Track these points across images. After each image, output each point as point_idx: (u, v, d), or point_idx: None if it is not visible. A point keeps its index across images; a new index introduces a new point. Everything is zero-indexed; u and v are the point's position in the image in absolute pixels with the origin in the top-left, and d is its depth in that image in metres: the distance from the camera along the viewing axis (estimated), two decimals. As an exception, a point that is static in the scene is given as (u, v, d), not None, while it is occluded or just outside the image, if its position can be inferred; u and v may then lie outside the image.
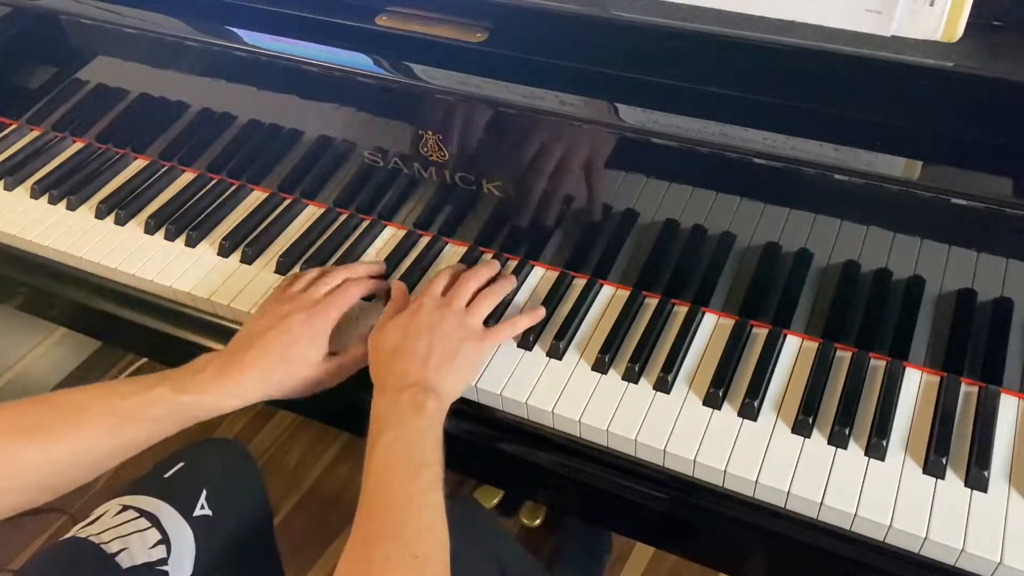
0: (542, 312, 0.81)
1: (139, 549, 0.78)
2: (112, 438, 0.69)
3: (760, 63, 0.70)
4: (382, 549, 0.60)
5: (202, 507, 0.85)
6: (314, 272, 0.83)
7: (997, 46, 0.65)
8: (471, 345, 0.75)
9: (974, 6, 0.63)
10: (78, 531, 0.80)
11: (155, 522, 0.81)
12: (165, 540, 0.80)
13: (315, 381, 0.76)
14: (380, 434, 0.67)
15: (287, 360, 0.74)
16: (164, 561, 0.79)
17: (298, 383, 0.75)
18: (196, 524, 0.84)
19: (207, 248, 0.94)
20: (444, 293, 0.79)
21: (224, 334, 0.89)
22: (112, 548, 0.77)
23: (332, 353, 0.77)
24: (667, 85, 0.73)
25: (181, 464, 0.89)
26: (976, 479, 0.66)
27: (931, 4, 0.63)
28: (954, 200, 0.63)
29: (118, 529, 0.80)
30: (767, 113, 0.69)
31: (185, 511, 0.84)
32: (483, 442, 0.80)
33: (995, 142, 0.65)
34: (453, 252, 0.90)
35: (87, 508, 0.86)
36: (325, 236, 0.93)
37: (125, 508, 0.82)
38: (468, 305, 0.78)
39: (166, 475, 0.88)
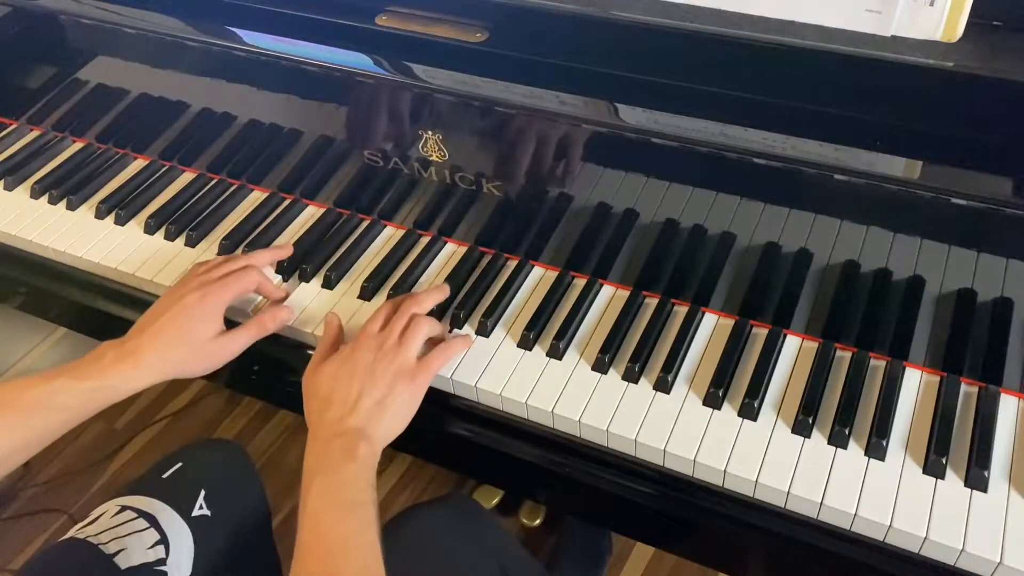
0: (471, 340, 0.80)
1: (137, 549, 0.78)
2: (21, 430, 0.70)
3: (760, 63, 0.70)
4: None
5: (201, 507, 0.85)
6: (218, 259, 0.84)
7: (997, 46, 0.65)
8: (403, 386, 0.73)
9: (974, 6, 0.63)
10: (76, 532, 0.80)
11: (153, 522, 0.81)
12: (164, 540, 0.80)
13: (211, 356, 0.77)
14: (312, 481, 0.67)
15: (182, 339, 0.76)
16: (163, 561, 0.79)
17: (196, 360, 0.77)
18: (195, 524, 0.84)
19: (207, 248, 0.94)
20: (382, 329, 0.78)
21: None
22: (110, 549, 0.77)
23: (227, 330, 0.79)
24: (667, 85, 0.73)
25: (179, 464, 0.89)
26: (976, 479, 0.66)
27: (931, 4, 0.63)
28: (954, 200, 0.63)
29: (116, 530, 0.80)
30: (767, 113, 0.69)
31: (184, 511, 0.84)
32: (483, 442, 0.80)
33: (995, 142, 0.65)
34: (453, 252, 0.90)
35: (87, 508, 0.86)
36: (325, 236, 0.93)
37: (123, 509, 0.82)
38: (400, 337, 0.76)
39: (164, 475, 0.88)
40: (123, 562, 0.77)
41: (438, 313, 0.83)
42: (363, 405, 0.71)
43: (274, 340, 0.83)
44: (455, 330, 0.82)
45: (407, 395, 0.74)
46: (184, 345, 0.76)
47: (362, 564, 0.64)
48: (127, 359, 0.73)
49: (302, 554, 0.64)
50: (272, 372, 0.89)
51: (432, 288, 0.84)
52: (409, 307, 0.79)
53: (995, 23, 0.67)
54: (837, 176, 0.66)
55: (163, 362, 0.75)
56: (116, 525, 0.80)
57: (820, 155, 0.66)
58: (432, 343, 0.79)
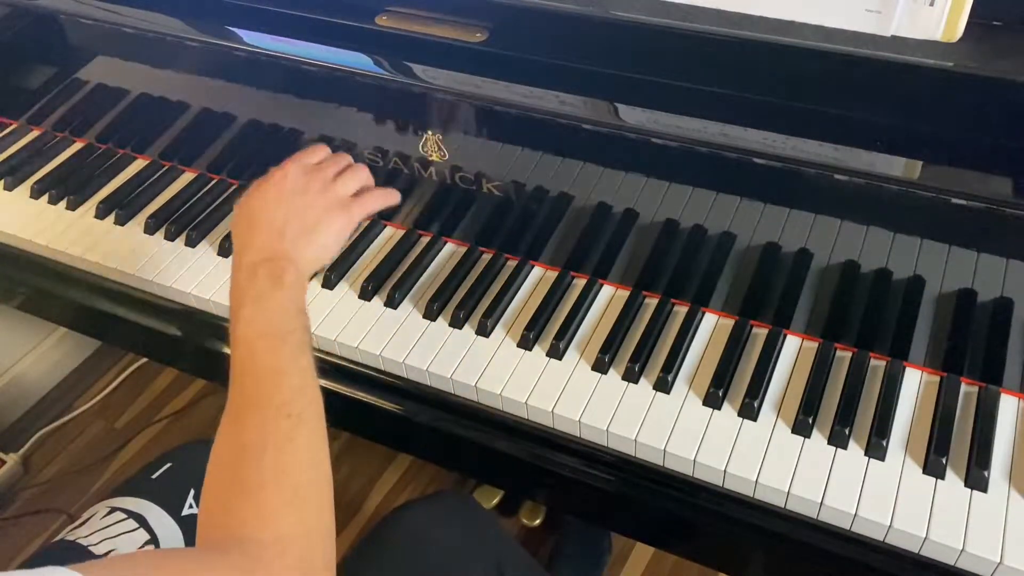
0: (396, 195, 0.80)
1: (127, 549, 0.78)
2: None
3: (760, 63, 0.70)
4: (256, 416, 0.59)
5: (191, 506, 0.85)
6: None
7: (997, 46, 0.65)
8: (333, 216, 0.72)
9: (974, 6, 0.63)
10: (67, 534, 0.80)
11: (142, 522, 0.81)
12: (153, 540, 0.81)
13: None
14: (241, 308, 0.66)
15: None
16: None
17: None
18: (185, 523, 0.84)
19: (207, 248, 0.94)
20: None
21: (224, 334, 0.89)
22: (100, 550, 0.78)
23: None
24: (667, 85, 0.73)
25: (169, 465, 0.89)
26: (976, 479, 0.66)
27: (931, 4, 0.63)
28: (954, 200, 0.63)
29: (106, 531, 0.80)
30: (767, 113, 0.69)
31: (173, 510, 0.84)
32: (483, 442, 0.80)
33: (995, 142, 0.65)
34: (453, 252, 0.90)
35: (87, 508, 0.87)
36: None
37: (113, 510, 0.83)
38: (335, 178, 0.75)
39: (153, 476, 0.88)
40: None
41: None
42: (290, 230, 0.70)
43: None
44: (454, 330, 0.82)
45: (338, 225, 0.73)
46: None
47: (297, 386, 0.62)
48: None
49: (236, 381, 0.62)
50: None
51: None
52: (342, 156, 0.78)
53: (995, 23, 0.67)
54: (837, 176, 0.66)
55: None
56: (105, 527, 0.80)
57: (820, 155, 0.66)
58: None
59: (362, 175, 0.78)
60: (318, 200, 0.72)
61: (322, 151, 0.79)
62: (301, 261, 0.70)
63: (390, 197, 0.79)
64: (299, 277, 0.69)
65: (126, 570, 0.49)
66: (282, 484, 0.56)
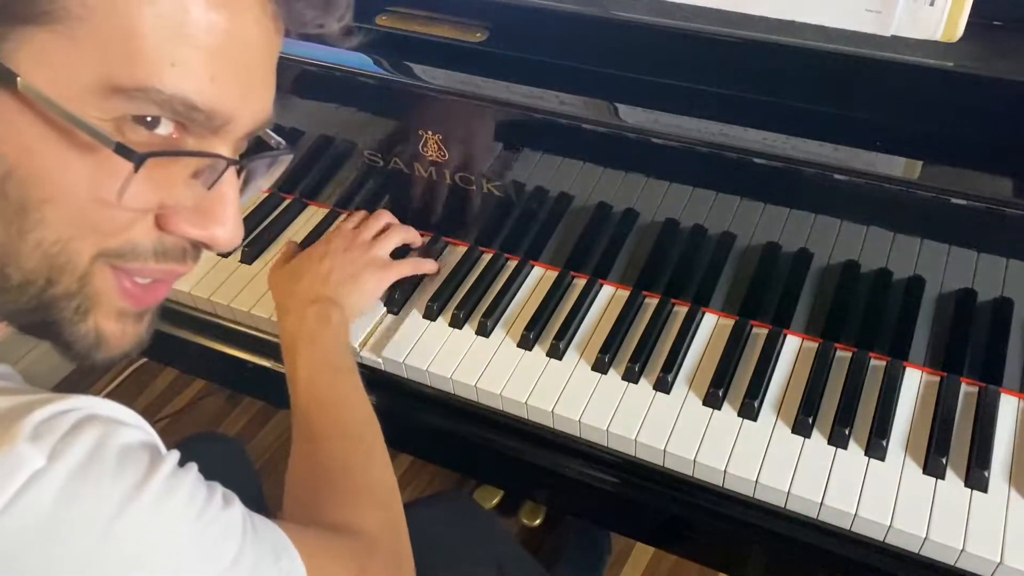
0: (437, 265, 0.87)
1: None
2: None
3: (760, 63, 0.70)
4: (334, 444, 0.66)
5: None
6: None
7: (997, 46, 0.65)
8: (372, 271, 0.80)
9: (974, 6, 0.63)
10: None
11: None
12: None
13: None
14: (296, 351, 0.71)
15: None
16: None
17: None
18: None
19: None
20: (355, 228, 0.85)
21: (224, 334, 0.89)
22: None
23: None
24: (667, 85, 0.73)
25: None
26: (976, 479, 0.66)
27: (931, 4, 0.63)
28: (954, 200, 0.63)
29: None
30: (767, 113, 0.69)
31: None
32: (483, 442, 0.80)
33: (995, 142, 0.65)
34: (453, 252, 0.90)
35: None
36: (325, 236, 0.93)
37: None
38: (374, 239, 0.84)
39: None
40: None
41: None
42: (333, 278, 0.77)
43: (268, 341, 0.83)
44: (454, 330, 0.82)
45: (375, 280, 0.80)
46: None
47: (362, 416, 0.69)
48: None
49: (304, 413, 0.68)
50: (262, 371, 0.89)
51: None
52: (383, 215, 0.86)
53: (995, 23, 0.67)
54: (837, 176, 0.66)
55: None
56: None
57: (820, 155, 0.66)
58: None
59: (401, 234, 0.86)
60: (359, 256, 0.81)
61: (359, 215, 0.87)
62: (346, 303, 0.76)
63: (426, 266, 0.86)
64: (343, 318, 0.75)
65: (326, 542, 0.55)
66: (374, 496, 0.64)
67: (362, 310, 0.80)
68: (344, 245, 0.81)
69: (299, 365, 0.70)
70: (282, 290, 0.78)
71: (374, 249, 0.82)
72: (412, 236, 0.87)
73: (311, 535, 0.54)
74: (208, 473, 0.81)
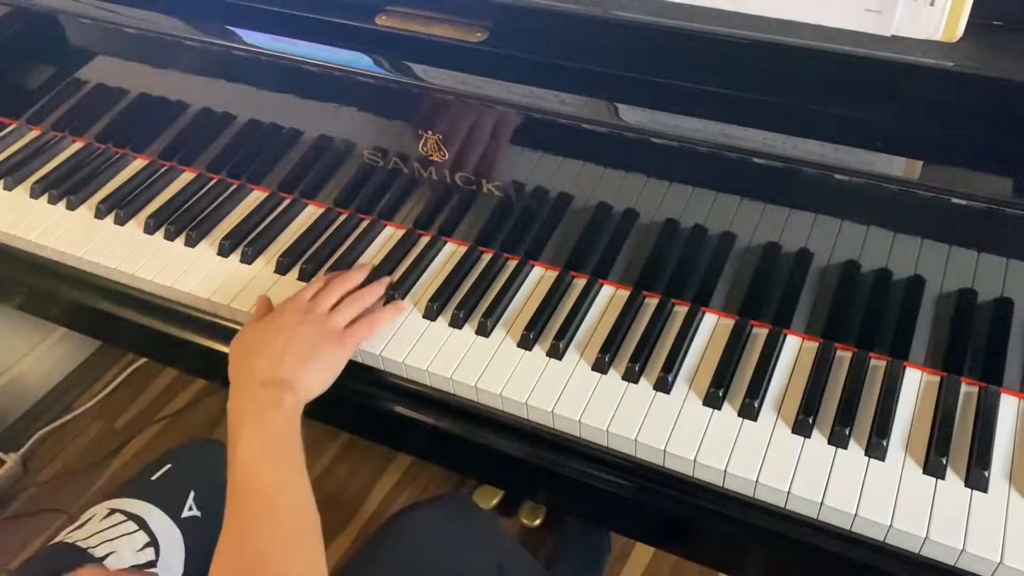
0: (403, 306, 0.83)
1: (127, 552, 0.78)
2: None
3: (760, 63, 0.70)
4: (258, 535, 0.63)
5: (191, 508, 0.85)
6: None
7: (997, 46, 0.65)
8: (329, 347, 0.76)
9: (974, 6, 0.63)
10: (65, 536, 0.80)
11: (143, 525, 0.81)
12: (153, 542, 0.80)
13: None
14: (240, 430, 0.69)
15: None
16: (153, 563, 0.79)
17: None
18: (185, 525, 0.84)
19: (207, 248, 0.94)
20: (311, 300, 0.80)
21: (224, 334, 0.89)
22: (99, 552, 0.77)
23: None
24: (667, 85, 0.73)
25: (169, 466, 0.89)
26: (976, 479, 0.66)
27: (931, 4, 0.63)
28: (954, 200, 0.63)
29: (105, 533, 0.80)
30: (767, 113, 0.69)
31: (173, 513, 0.84)
32: (483, 442, 0.80)
33: (995, 142, 0.65)
34: (453, 252, 0.90)
35: (87, 508, 0.86)
36: (325, 236, 0.93)
37: (112, 512, 0.82)
38: (332, 310, 0.79)
39: (153, 477, 0.88)
40: (113, 565, 0.77)
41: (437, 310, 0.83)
42: (288, 359, 0.73)
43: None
44: (454, 330, 0.82)
45: (332, 356, 0.76)
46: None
47: (301, 509, 0.66)
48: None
49: (237, 499, 0.65)
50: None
51: (363, 268, 0.87)
52: (339, 284, 0.82)
53: (995, 23, 0.67)
54: (837, 176, 0.66)
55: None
56: (104, 528, 0.80)
57: (820, 155, 0.66)
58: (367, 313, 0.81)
59: (357, 304, 0.81)
60: (314, 331, 0.76)
61: (317, 283, 0.83)
62: (299, 387, 0.73)
63: (381, 320, 0.81)
64: (296, 401, 0.72)
65: None
66: None
67: (322, 389, 0.75)
68: (298, 319, 0.77)
69: (239, 447, 0.68)
70: (236, 365, 0.75)
71: (328, 322, 0.78)
72: (370, 298, 0.83)
73: None
74: (200, 481, 0.82)
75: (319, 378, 0.75)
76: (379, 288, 0.84)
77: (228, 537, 0.64)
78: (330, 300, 0.80)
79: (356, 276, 0.84)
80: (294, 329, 0.75)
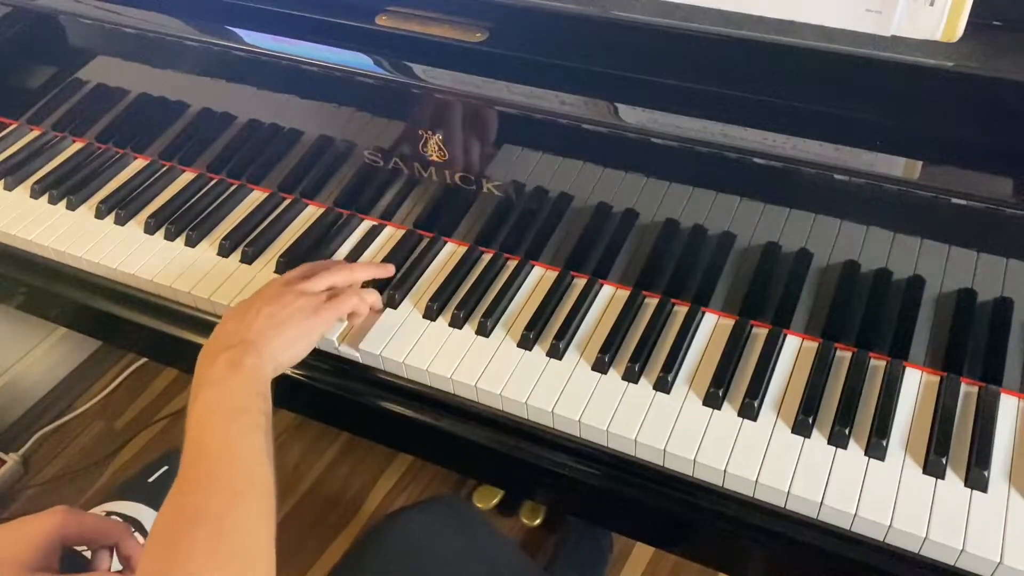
0: (387, 273, 0.83)
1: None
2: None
3: (760, 63, 0.70)
4: (199, 491, 0.61)
5: None
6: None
7: (997, 46, 0.65)
8: (303, 314, 0.75)
9: (974, 6, 0.63)
10: None
11: (139, 527, 0.81)
12: None
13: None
14: (199, 391, 0.67)
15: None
16: None
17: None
18: None
19: (207, 248, 0.94)
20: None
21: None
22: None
23: None
24: (667, 85, 0.73)
25: (165, 468, 0.89)
26: (976, 479, 0.66)
27: (931, 4, 0.63)
28: (954, 200, 0.63)
29: None
30: (767, 113, 0.69)
31: None
32: (483, 442, 0.80)
33: (995, 142, 0.65)
34: (453, 252, 0.90)
35: (87, 508, 0.86)
36: (325, 236, 0.93)
37: (109, 514, 0.82)
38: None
39: (150, 479, 0.88)
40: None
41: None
42: (256, 324, 0.72)
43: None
44: (454, 330, 0.82)
45: (307, 324, 0.75)
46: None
47: (244, 468, 0.63)
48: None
49: (185, 459, 0.64)
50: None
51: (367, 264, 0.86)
52: (337, 270, 0.81)
53: (995, 23, 0.67)
54: (837, 176, 0.66)
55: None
56: None
57: (820, 155, 0.66)
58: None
59: (344, 276, 0.80)
60: (292, 299, 0.75)
61: (303, 268, 0.82)
62: (265, 349, 0.71)
63: (367, 300, 0.81)
64: (259, 363, 0.70)
65: None
66: (234, 558, 0.58)
67: (292, 358, 0.74)
68: (281, 290, 0.76)
69: (195, 407, 0.66)
70: (214, 331, 0.75)
71: (310, 292, 0.77)
72: (360, 275, 0.82)
73: None
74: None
75: (288, 344, 0.74)
76: (374, 269, 0.84)
77: (172, 494, 0.62)
78: (321, 279, 0.79)
79: (358, 268, 0.84)
80: (273, 297, 0.75)
